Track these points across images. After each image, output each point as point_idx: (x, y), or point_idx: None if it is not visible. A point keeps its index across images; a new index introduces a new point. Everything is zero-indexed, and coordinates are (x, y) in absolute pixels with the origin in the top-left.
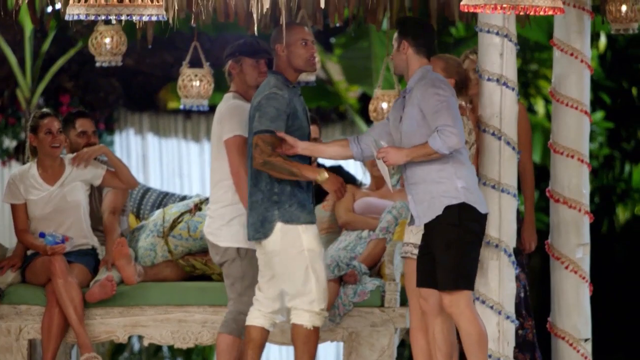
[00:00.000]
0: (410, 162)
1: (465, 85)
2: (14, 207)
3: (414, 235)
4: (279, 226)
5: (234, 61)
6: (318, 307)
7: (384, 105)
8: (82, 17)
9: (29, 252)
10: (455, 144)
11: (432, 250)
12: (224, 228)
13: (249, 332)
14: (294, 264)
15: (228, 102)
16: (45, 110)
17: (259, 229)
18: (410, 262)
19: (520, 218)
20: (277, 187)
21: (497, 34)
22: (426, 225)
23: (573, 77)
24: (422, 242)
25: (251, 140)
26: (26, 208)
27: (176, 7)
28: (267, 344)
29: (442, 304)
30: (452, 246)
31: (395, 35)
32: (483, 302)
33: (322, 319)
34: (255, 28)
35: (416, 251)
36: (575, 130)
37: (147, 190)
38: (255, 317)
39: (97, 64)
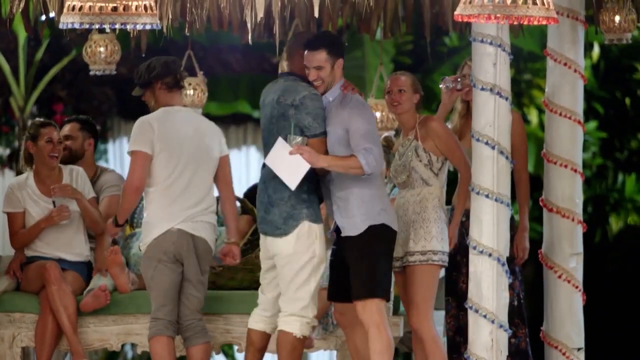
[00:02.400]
0: (329, 172)
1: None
2: (11, 216)
3: (416, 244)
4: (303, 224)
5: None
6: (310, 315)
7: (378, 114)
8: (76, 26)
9: (24, 260)
10: (377, 169)
11: (346, 262)
12: None
13: (249, 335)
14: (301, 267)
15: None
16: (45, 119)
17: (281, 226)
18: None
19: (513, 226)
20: (306, 185)
21: (491, 43)
22: (342, 238)
23: (566, 87)
24: (334, 256)
25: (289, 132)
26: (24, 217)
27: (170, 16)
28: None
29: (358, 318)
30: (366, 258)
31: (323, 54)
32: (476, 311)
33: (310, 328)
34: (250, 37)
35: (423, 257)
36: (569, 140)
37: (140, 198)
38: (256, 322)
39: (91, 73)
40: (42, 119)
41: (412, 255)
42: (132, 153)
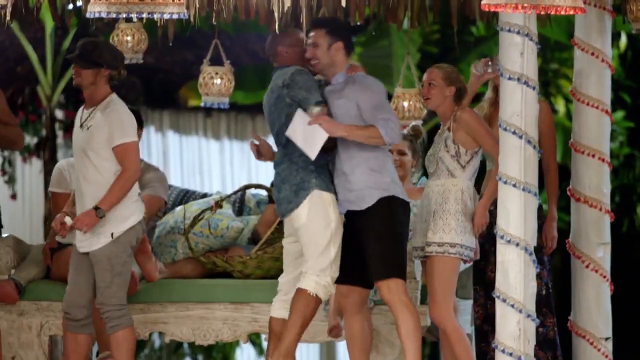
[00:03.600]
0: (344, 144)
1: (463, 93)
2: (56, 196)
3: (434, 234)
4: (314, 193)
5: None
6: (327, 278)
7: (405, 104)
8: (104, 15)
9: (55, 246)
10: (397, 139)
11: (358, 241)
12: None
13: (270, 324)
14: (319, 234)
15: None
16: None
17: (292, 199)
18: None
19: (541, 215)
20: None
21: (518, 33)
22: (351, 216)
23: (594, 77)
24: (346, 237)
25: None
26: (69, 198)
27: (197, 5)
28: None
29: (363, 299)
30: (384, 237)
31: (322, 32)
32: (504, 300)
33: (327, 292)
34: (277, 26)
35: (440, 249)
36: (596, 129)
37: (168, 187)
38: (277, 309)
39: None
40: None
41: (430, 245)
42: (131, 144)
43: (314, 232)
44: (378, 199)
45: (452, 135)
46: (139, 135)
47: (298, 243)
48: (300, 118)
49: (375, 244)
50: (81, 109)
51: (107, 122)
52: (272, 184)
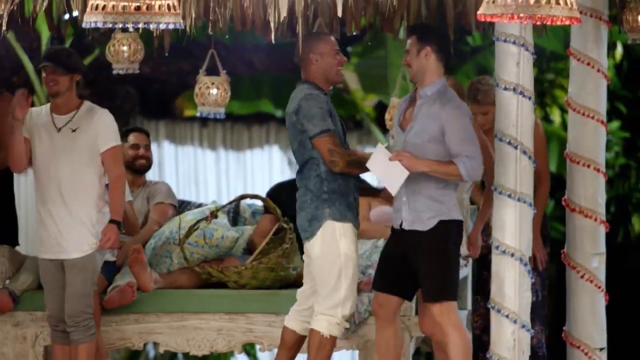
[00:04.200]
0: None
1: None
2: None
3: None
4: (326, 225)
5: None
6: (340, 315)
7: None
8: (100, 25)
9: None
10: (478, 177)
11: (410, 258)
12: None
13: (282, 332)
14: (329, 268)
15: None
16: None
17: (307, 229)
18: None
19: (545, 224)
20: (326, 186)
21: (514, 43)
22: (406, 233)
23: (589, 87)
24: (392, 247)
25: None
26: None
27: (193, 15)
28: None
29: (397, 310)
30: (440, 258)
31: (414, 39)
32: (499, 310)
33: (340, 329)
34: (272, 36)
35: None
36: (592, 139)
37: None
38: (289, 319)
39: (114, 72)
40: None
41: None
42: (120, 147)
43: (323, 268)
44: (438, 221)
45: None
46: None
47: None
48: (380, 153)
49: (430, 265)
50: (48, 113)
51: (96, 127)
52: (267, 194)
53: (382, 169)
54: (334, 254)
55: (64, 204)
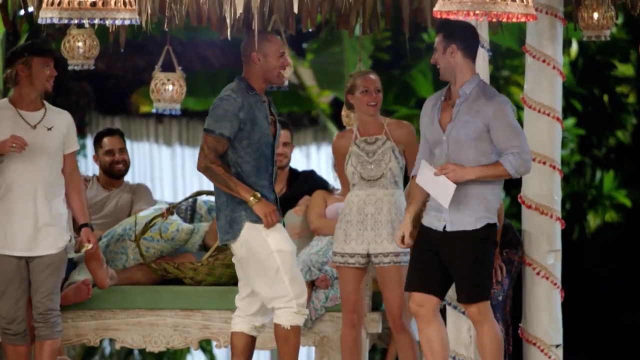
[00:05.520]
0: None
1: None
2: None
3: (346, 245)
4: (247, 226)
5: (23, 63)
6: (296, 305)
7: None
8: (55, 21)
9: None
10: (527, 171)
11: (448, 259)
12: None
13: (232, 339)
14: (264, 266)
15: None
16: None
17: (228, 231)
18: (346, 270)
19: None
20: None
21: None
22: (447, 234)
23: (545, 84)
24: (426, 247)
25: None
26: None
27: (149, 11)
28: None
29: (437, 307)
30: (480, 261)
31: (440, 37)
32: (455, 307)
33: (301, 317)
34: (228, 32)
35: (351, 260)
36: (547, 136)
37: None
38: (235, 323)
39: (70, 68)
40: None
41: (387, 256)
42: (76, 150)
43: (257, 267)
44: (485, 224)
45: (397, 146)
46: None
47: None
48: (425, 169)
49: (470, 267)
50: (11, 108)
51: (67, 127)
52: None
53: (430, 185)
54: (265, 252)
55: (45, 200)
